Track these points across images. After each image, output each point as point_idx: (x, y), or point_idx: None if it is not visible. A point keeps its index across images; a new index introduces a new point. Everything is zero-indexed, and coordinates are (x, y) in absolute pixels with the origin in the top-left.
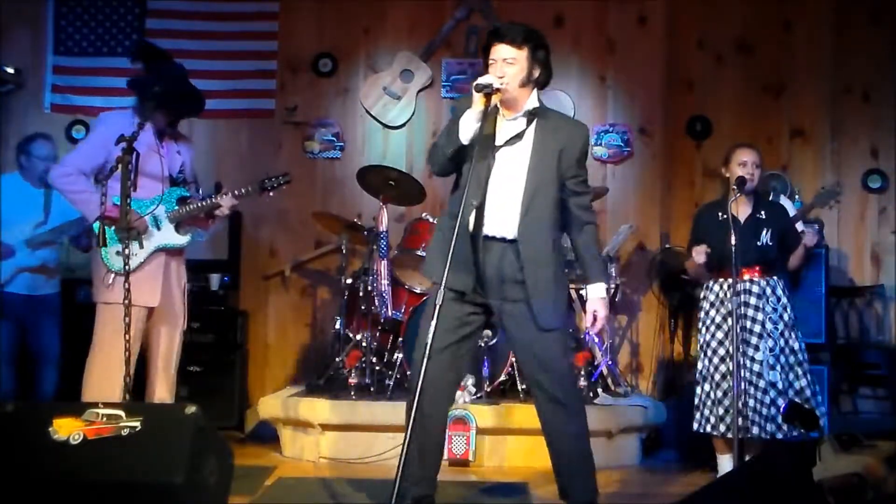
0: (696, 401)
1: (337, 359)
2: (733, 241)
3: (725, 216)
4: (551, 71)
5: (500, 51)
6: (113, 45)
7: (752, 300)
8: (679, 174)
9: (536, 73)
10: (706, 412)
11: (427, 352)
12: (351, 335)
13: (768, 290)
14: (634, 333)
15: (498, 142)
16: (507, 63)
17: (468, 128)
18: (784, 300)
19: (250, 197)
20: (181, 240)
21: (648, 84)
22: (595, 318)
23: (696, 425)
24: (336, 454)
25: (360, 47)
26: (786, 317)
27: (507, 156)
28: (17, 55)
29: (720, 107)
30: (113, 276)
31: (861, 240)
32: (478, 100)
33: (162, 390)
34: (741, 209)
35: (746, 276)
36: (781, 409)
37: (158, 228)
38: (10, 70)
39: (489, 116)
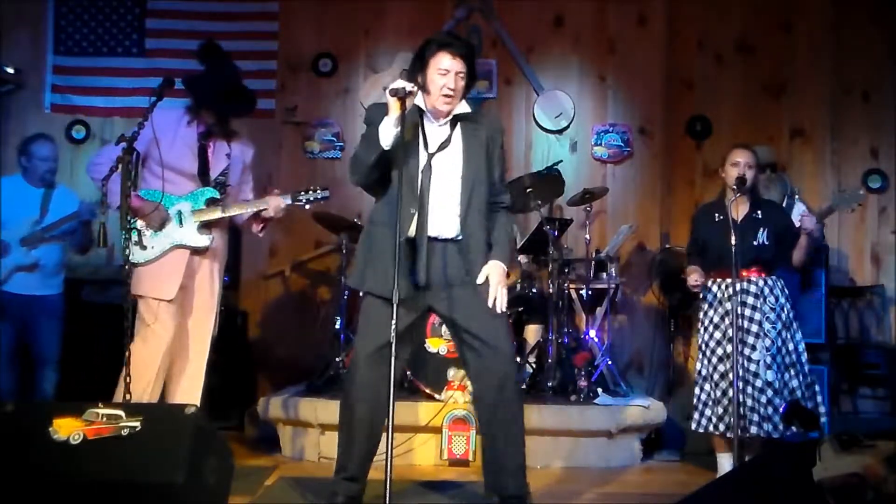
0: (695, 400)
1: (337, 359)
2: (733, 241)
3: (722, 217)
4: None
5: (457, 64)
6: (113, 45)
7: (750, 300)
8: (679, 174)
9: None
10: (706, 412)
11: (392, 358)
12: (351, 335)
13: (766, 290)
14: (634, 333)
15: (431, 149)
16: (461, 77)
17: (388, 133)
18: (782, 300)
19: (289, 206)
20: (201, 240)
21: (648, 84)
22: (489, 283)
23: (693, 424)
24: (336, 454)
25: (360, 47)
26: (783, 317)
27: (440, 160)
28: (17, 55)
29: (720, 107)
30: (132, 267)
31: (861, 240)
32: (394, 105)
33: (179, 392)
34: (739, 209)
35: (744, 276)
36: (781, 410)
37: (181, 225)
38: (10, 70)
39: (411, 122)
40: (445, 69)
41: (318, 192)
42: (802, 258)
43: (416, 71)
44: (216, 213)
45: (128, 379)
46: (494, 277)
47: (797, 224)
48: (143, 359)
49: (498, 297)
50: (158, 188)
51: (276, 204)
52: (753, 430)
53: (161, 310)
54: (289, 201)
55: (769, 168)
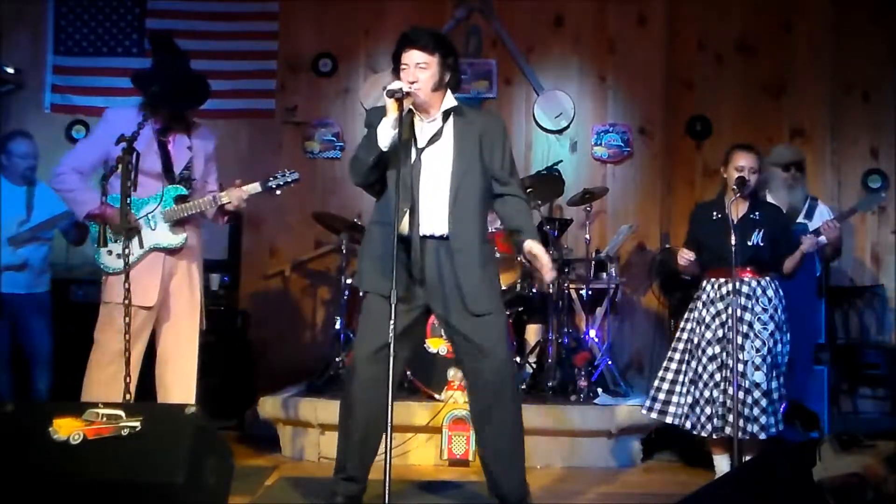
0: (677, 397)
1: (337, 359)
2: (733, 241)
3: (719, 216)
4: (461, 75)
5: (413, 56)
6: (113, 45)
7: (742, 300)
8: (679, 174)
9: (447, 78)
10: (687, 410)
11: (391, 357)
12: (351, 335)
13: (759, 291)
14: (634, 333)
15: (420, 144)
16: (420, 68)
17: (386, 134)
18: (775, 301)
19: (257, 195)
20: (175, 240)
21: (648, 84)
22: (537, 257)
23: (672, 420)
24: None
25: (360, 47)
26: (776, 318)
27: (430, 156)
28: (17, 55)
29: (720, 107)
30: (106, 275)
31: (861, 240)
32: (391, 106)
33: (174, 393)
34: (738, 209)
35: (738, 276)
36: (769, 411)
37: (153, 228)
38: (10, 70)
39: (405, 121)
40: (405, 63)
41: (288, 174)
42: (791, 268)
43: (397, 74)
44: (186, 211)
45: (127, 379)
46: (539, 251)
47: (819, 237)
48: (107, 362)
49: (548, 268)
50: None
51: (237, 195)
52: (729, 430)
53: (135, 318)
54: (259, 189)
55: (794, 167)
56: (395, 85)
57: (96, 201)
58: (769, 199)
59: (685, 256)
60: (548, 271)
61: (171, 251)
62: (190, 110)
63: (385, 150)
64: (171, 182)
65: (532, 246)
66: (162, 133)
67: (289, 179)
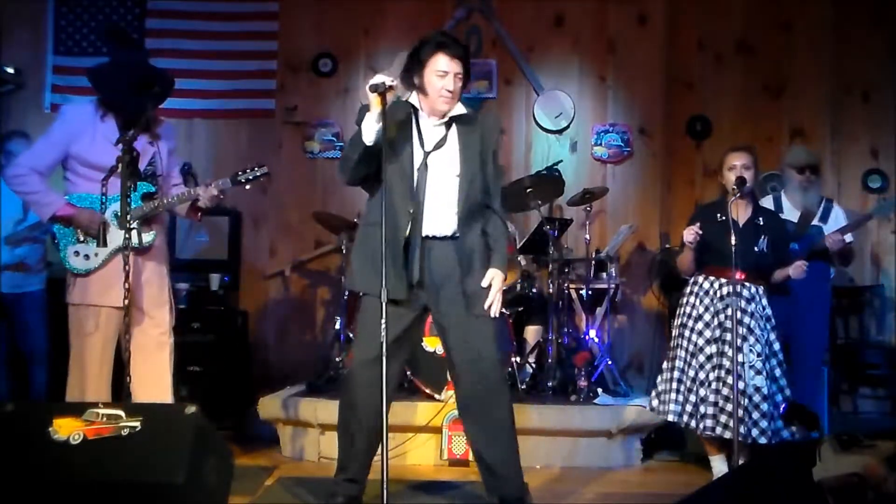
0: (675, 395)
1: (337, 359)
2: (733, 242)
3: (724, 217)
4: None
5: (454, 65)
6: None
7: (743, 303)
8: (679, 174)
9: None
10: (689, 408)
11: (384, 358)
12: (351, 335)
13: (756, 297)
14: (634, 333)
15: (427, 147)
16: (459, 78)
17: (370, 129)
18: (768, 309)
19: (228, 190)
20: (145, 238)
21: (648, 84)
22: (491, 288)
23: (673, 417)
24: (336, 454)
25: (360, 47)
26: (769, 325)
27: (436, 159)
28: (17, 55)
29: (720, 107)
30: (74, 277)
31: (861, 240)
32: (374, 100)
33: (143, 393)
34: (740, 212)
35: (740, 279)
36: (771, 415)
37: (119, 227)
38: (10, 70)
39: (399, 120)
40: (444, 71)
41: (257, 170)
42: (782, 278)
43: (413, 72)
44: (155, 208)
45: (128, 379)
46: (496, 285)
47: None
48: (84, 365)
49: (494, 304)
50: (87, 190)
51: (207, 194)
52: (728, 434)
53: (103, 318)
54: (229, 185)
55: (809, 169)
56: (378, 79)
57: (61, 202)
58: (784, 200)
59: (693, 230)
60: (490, 304)
61: (140, 250)
62: (149, 106)
63: (369, 145)
64: (136, 179)
65: (494, 275)
66: (124, 128)
67: (258, 174)
